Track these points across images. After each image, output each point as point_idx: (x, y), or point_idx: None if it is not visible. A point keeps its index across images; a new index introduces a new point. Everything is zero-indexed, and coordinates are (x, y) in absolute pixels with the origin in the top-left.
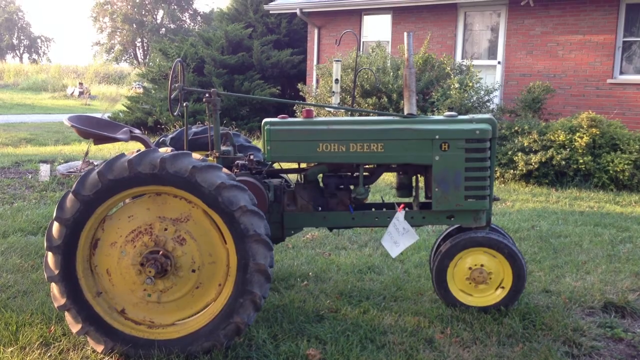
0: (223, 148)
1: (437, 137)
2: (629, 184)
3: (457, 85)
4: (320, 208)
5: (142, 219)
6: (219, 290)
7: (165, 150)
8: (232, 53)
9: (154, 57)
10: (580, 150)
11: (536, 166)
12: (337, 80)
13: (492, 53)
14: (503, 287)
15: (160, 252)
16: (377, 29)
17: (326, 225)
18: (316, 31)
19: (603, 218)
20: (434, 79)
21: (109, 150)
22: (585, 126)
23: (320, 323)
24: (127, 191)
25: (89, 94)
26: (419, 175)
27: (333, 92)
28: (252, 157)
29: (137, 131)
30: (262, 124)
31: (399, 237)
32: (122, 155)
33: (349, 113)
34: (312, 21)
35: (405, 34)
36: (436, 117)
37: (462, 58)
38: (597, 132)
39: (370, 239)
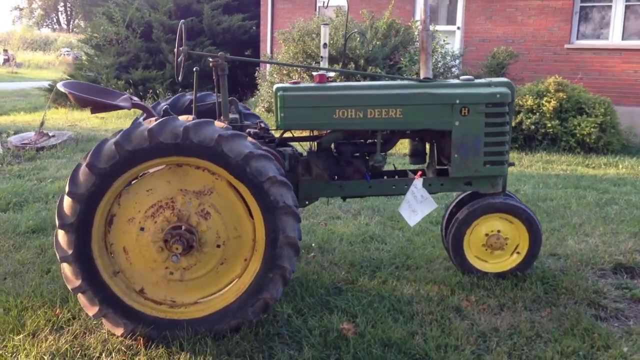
0: (230, 116)
1: (457, 101)
2: (595, 147)
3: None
4: (336, 177)
5: (163, 193)
6: (245, 266)
7: (185, 119)
8: (181, 18)
9: (98, 22)
10: (548, 115)
11: None
12: (325, 44)
13: (451, 19)
14: (519, 252)
15: (184, 228)
16: None
17: (342, 194)
18: None
19: (580, 181)
20: (399, 44)
21: (64, 121)
22: (552, 91)
23: (341, 295)
24: (146, 163)
25: (15, 62)
26: (434, 142)
27: (322, 57)
28: (261, 124)
29: (135, 99)
30: (275, 89)
31: (417, 205)
32: (139, 124)
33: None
34: None
35: None
36: (454, 81)
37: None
38: (564, 97)
39: (362, 207)
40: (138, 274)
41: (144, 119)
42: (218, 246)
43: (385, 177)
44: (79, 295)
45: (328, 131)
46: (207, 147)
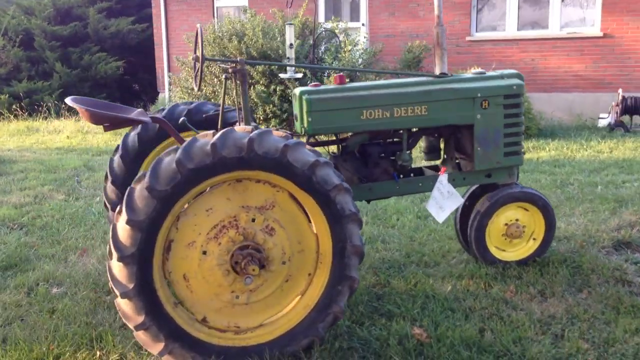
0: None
1: (478, 95)
2: None
3: (349, 48)
4: (365, 179)
5: (224, 211)
6: (309, 281)
7: (243, 130)
8: (62, 23)
9: None
10: None
11: None
12: (291, 45)
13: (355, 15)
14: (534, 239)
15: (250, 247)
16: None
17: (371, 197)
18: None
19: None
20: (315, 42)
21: None
22: None
23: (385, 299)
24: (208, 180)
25: None
26: (452, 137)
27: (288, 57)
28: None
29: (150, 113)
30: (298, 93)
31: (444, 201)
32: (195, 139)
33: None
34: None
35: None
36: (468, 75)
37: (325, 20)
38: None
39: None
40: (200, 302)
41: (138, 130)
42: (283, 263)
43: (401, 176)
44: (141, 332)
45: (352, 133)
46: (272, 158)
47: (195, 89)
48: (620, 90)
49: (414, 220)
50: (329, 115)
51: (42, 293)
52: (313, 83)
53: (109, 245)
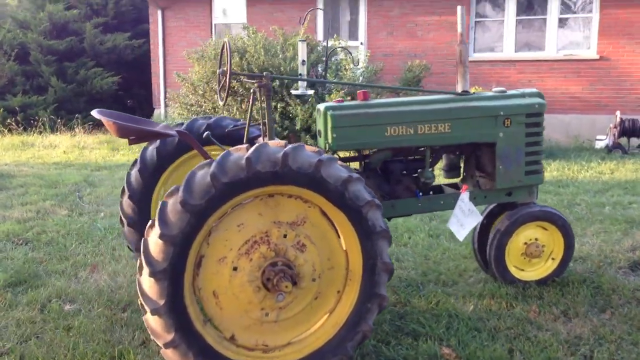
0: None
1: (501, 113)
2: None
3: (351, 66)
4: (388, 196)
5: (256, 227)
6: (338, 298)
7: (277, 144)
8: (58, 38)
9: None
10: None
11: None
12: (303, 61)
13: (353, 34)
14: (553, 259)
15: (281, 263)
16: (230, 10)
17: (393, 214)
18: (160, 13)
19: None
20: (315, 60)
21: None
22: None
23: (407, 318)
24: (242, 195)
25: None
26: (473, 155)
27: (300, 74)
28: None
29: (174, 127)
30: (323, 109)
31: (464, 219)
32: (229, 153)
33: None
34: (155, 1)
35: (458, 7)
36: (489, 93)
37: (324, 39)
38: None
39: None
40: (228, 319)
41: (157, 145)
42: (313, 280)
43: (420, 194)
44: (169, 350)
45: (375, 150)
46: (306, 173)
47: (221, 103)
48: (618, 113)
49: (426, 238)
50: (353, 131)
51: (55, 310)
52: (336, 99)
53: (140, 260)
